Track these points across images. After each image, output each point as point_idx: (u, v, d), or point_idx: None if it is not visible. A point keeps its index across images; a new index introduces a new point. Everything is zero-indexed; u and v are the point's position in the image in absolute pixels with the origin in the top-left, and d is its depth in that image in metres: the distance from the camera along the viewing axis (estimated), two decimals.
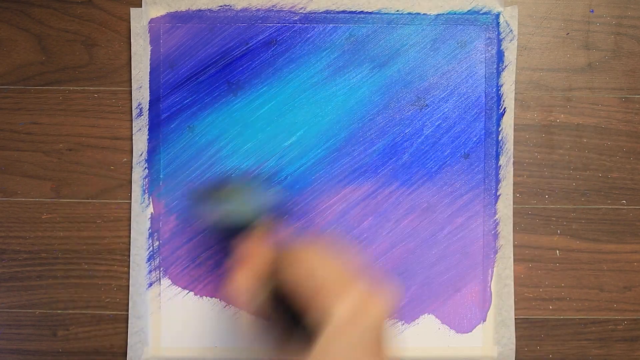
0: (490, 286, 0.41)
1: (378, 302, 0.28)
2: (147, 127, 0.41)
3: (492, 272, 0.41)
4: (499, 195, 0.41)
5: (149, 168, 0.42)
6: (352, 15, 0.41)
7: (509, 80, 0.41)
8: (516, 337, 0.42)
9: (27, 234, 0.42)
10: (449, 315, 0.41)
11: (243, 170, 0.40)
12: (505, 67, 0.41)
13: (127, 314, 0.42)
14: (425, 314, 0.42)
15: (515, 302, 0.42)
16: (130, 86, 0.42)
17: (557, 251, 0.42)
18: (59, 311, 0.42)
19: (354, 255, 0.30)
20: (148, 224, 0.41)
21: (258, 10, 0.41)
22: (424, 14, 0.41)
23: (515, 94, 0.42)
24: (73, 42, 0.42)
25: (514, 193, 0.42)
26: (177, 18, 0.41)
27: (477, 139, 0.41)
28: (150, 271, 0.41)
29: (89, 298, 0.42)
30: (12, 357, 0.42)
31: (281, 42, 0.41)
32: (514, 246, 0.42)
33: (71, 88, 0.42)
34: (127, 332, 0.42)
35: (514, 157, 0.42)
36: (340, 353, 0.27)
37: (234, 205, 0.35)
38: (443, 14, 0.41)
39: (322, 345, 0.27)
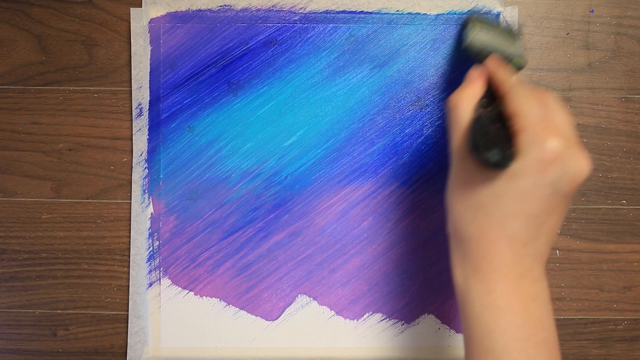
0: None
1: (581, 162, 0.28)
2: (147, 127, 0.42)
3: None
4: None
5: (149, 168, 0.42)
6: (352, 15, 0.41)
7: None
8: None
9: (27, 234, 0.42)
10: (449, 315, 0.41)
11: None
12: None
13: (127, 314, 0.42)
14: (425, 314, 0.42)
15: None
16: (130, 86, 0.42)
17: (557, 251, 0.42)
18: (59, 311, 0.42)
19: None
20: (148, 224, 0.41)
21: (258, 10, 0.41)
22: (424, 14, 0.41)
23: None
24: (73, 42, 0.42)
25: None
26: (177, 18, 0.41)
27: None
28: (150, 271, 0.41)
29: (89, 298, 0.42)
30: (12, 357, 0.42)
31: (281, 42, 0.41)
32: None
33: (71, 88, 0.42)
34: (127, 332, 0.42)
35: None
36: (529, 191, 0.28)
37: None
38: (443, 14, 0.41)
39: (511, 172, 0.28)
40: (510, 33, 0.36)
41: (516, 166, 0.28)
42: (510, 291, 0.29)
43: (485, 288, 0.29)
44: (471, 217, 0.30)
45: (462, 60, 0.41)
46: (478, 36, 0.36)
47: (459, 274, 0.30)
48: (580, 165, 0.28)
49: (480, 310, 0.29)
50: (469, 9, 0.41)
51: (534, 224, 0.29)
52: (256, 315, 0.42)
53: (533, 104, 0.29)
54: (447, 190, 0.32)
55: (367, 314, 0.42)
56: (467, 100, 0.31)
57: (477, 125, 0.29)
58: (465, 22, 0.38)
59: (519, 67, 0.35)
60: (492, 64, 0.33)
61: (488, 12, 0.41)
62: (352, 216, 0.41)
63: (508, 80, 0.31)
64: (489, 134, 0.29)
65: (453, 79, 0.41)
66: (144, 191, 0.42)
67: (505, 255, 0.29)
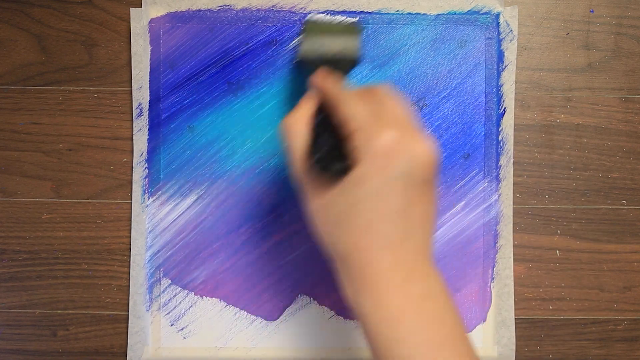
0: (490, 286, 0.42)
1: (410, 151, 0.27)
2: (147, 127, 0.42)
3: (492, 272, 0.41)
4: (499, 195, 0.41)
5: (149, 168, 0.42)
6: (352, 15, 0.41)
7: (509, 81, 0.41)
8: (516, 337, 0.42)
9: (27, 234, 0.42)
10: None
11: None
12: (505, 67, 0.41)
13: (127, 314, 0.42)
14: None
15: (515, 302, 0.42)
16: (131, 86, 0.42)
17: (557, 251, 0.42)
18: (59, 311, 0.42)
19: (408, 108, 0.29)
20: (148, 224, 0.41)
21: (258, 10, 0.41)
22: (424, 14, 0.41)
23: (515, 94, 0.42)
24: (73, 42, 0.42)
25: (514, 193, 0.42)
26: (177, 18, 0.41)
27: (477, 139, 0.41)
28: (150, 271, 0.41)
29: (89, 298, 0.42)
30: (12, 357, 0.42)
31: (281, 42, 0.41)
32: (514, 246, 0.42)
33: (71, 88, 0.42)
34: (127, 332, 0.42)
35: (514, 157, 0.42)
36: (375, 188, 0.27)
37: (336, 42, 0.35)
38: (443, 14, 0.41)
39: (356, 177, 0.27)
40: (347, 28, 0.36)
41: (358, 170, 0.27)
42: (399, 297, 0.27)
43: (374, 301, 0.28)
44: (338, 235, 0.29)
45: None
46: (308, 46, 0.35)
47: (349, 293, 0.29)
48: (421, 149, 0.27)
49: (375, 324, 0.28)
50: (469, 9, 0.41)
51: (400, 221, 0.28)
52: (256, 315, 0.42)
53: (360, 104, 0.28)
54: (312, 220, 0.31)
55: None
56: (299, 121, 0.30)
57: (314, 142, 0.29)
58: (300, 31, 0.37)
59: (353, 64, 0.35)
60: (319, 78, 0.32)
61: (488, 12, 0.41)
62: None
63: (334, 89, 0.30)
64: (327, 147, 0.28)
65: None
66: (144, 191, 0.42)
67: (384, 261, 0.28)
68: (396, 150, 0.27)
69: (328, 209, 0.29)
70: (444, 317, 0.28)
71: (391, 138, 0.27)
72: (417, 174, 0.27)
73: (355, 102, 0.29)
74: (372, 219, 0.27)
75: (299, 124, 0.30)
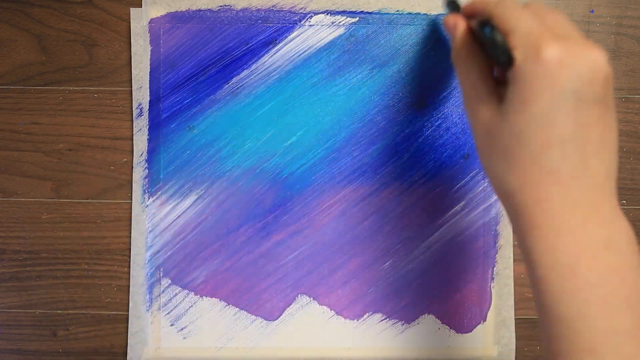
0: (490, 286, 0.42)
1: (580, 64, 0.24)
2: (147, 127, 0.42)
3: (492, 272, 0.41)
4: None
5: (149, 168, 0.42)
6: (352, 15, 0.41)
7: None
8: (516, 337, 0.42)
9: (27, 234, 0.42)
10: (449, 315, 0.41)
11: None
12: None
13: (127, 314, 0.42)
14: (425, 314, 0.42)
15: (515, 302, 0.42)
16: (131, 86, 0.42)
17: None
18: (59, 311, 0.42)
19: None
20: (148, 224, 0.41)
21: (258, 10, 0.41)
22: (424, 14, 0.41)
23: None
24: (73, 42, 0.42)
25: None
26: (177, 18, 0.41)
27: None
28: (150, 271, 0.41)
29: (89, 298, 0.42)
30: (12, 357, 0.42)
31: (281, 42, 0.41)
32: (514, 246, 0.42)
33: (71, 88, 0.42)
34: (127, 332, 0.42)
35: None
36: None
37: None
38: (443, 14, 0.41)
39: (520, 98, 0.24)
40: None
41: (522, 91, 0.24)
42: (574, 242, 0.24)
43: (545, 245, 0.24)
44: (503, 169, 0.26)
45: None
46: None
47: (517, 237, 0.26)
48: (591, 58, 0.23)
49: (544, 272, 0.24)
50: None
51: (573, 149, 0.24)
52: (256, 315, 0.42)
53: (522, 16, 0.25)
54: (478, 154, 0.29)
55: (367, 314, 0.42)
56: (466, 49, 0.29)
57: (487, 42, 0.27)
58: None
59: None
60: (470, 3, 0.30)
61: None
62: (352, 216, 0.41)
63: (488, 2, 0.28)
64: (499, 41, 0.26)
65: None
66: (144, 191, 0.42)
67: (556, 199, 0.24)
68: (562, 64, 0.23)
69: (494, 140, 0.26)
70: (627, 273, 0.24)
71: (557, 51, 0.23)
72: (589, 89, 0.24)
73: (516, 14, 0.26)
74: (540, 149, 0.24)
75: (468, 52, 0.28)
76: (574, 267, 0.24)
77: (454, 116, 0.41)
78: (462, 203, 0.41)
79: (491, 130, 0.26)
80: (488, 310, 0.42)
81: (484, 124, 0.27)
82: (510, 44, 0.25)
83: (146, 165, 0.42)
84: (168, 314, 0.42)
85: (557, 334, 0.24)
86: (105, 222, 0.42)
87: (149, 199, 0.42)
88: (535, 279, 0.25)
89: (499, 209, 0.41)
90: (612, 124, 0.25)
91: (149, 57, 0.41)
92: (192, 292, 0.42)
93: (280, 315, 0.42)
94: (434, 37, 0.41)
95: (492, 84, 0.28)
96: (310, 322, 0.42)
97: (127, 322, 0.42)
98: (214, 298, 0.42)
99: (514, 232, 0.27)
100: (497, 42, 0.26)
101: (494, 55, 0.26)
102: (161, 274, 0.42)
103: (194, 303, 0.42)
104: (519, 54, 0.24)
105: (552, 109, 0.24)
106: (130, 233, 0.42)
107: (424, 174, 0.41)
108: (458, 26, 0.30)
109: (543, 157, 0.24)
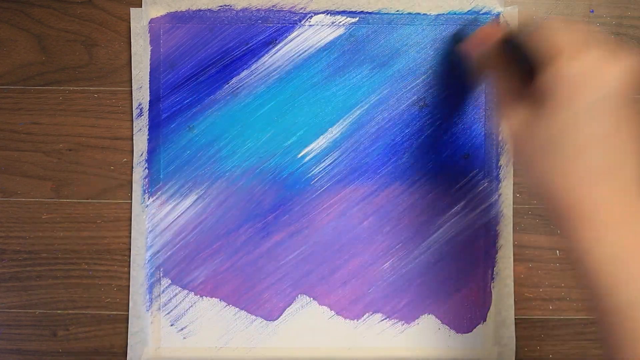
0: (490, 286, 0.42)
1: (617, 67, 0.26)
2: (147, 127, 0.42)
3: (492, 272, 0.41)
4: (499, 195, 0.41)
5: (149, 168, 0.42)
6: (352, 15, 0.41)
7: None
8: (516, 337, 0.42)
9: (27, 234, 0.42)
10: (449, 315, 0.41)
11: None
12: None
13: (127, 314, 0.42)
14: (425, 314, 0.42)
15: (515, 302, 0.42)
16: (131, 86, 0.42)
17: (557, 251, 0.42)
18: (59, 311, 0.42)
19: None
20: (148, 224, 0.41)
21: (258, 10, 0.41)
22: (424, 14, 0.41)
23: None
24: (73, 42, 0.42)
25: (514, 193, 0.42)
26: (177, 18, 0.41)
27: (477, 139, 0.41)
28: (150, 271, 0.41)
29: (89, 298, 0.42)
30: (12, 357, 0.42)
31: (281, 42, 0.41)
32: (514, 246, 0.42)
33: (71, 88, 0.42)
34: (127, 332, 0.42)
35: (514, 157, 0.42)
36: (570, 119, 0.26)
37: None
38: (443, 14, 0.41)
39: (562, 98, 0.26)
40: None
41: (566, 91, 0.26)
42: (622, 233, 0.25)
43: (593, 238, 0.25)
44: (545, 166, 0.27)
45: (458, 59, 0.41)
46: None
47: (563, 234, 0.27)
48: (628, 62, 0.26)
49: (597, 263, 0.25)
50: (469, 9, 0.41)
51: (613, 146, 0.26)
52: (256, 315, 0.42)
53: (554, 33, 0.27)
54: (513, 157, 0.30)
55: (367, 314, 0.42)
56: (501, 54, 0.31)
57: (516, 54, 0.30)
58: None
59: None
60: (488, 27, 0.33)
61: (488, 12, 0.41)
62: (352, 216, 0.41)
63: (506, 30, 0.31)
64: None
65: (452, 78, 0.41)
66: (144, 191, 0.42)
67: (600, 195, 0.25)
68: (604, 66, 0.26)
69: (533, 140, 0.27)
70: None
71: (596, 56, 0.26)
72: (624, 92, 0.26)
73: (549, 31, 0.28)
74: (584, 146, 0.26)
75: (502, 57, 0.30)
76: (625, 256, 0.25)
77: (454, 116, 0.41)
78: (462, 203, 0.41)
79: (530, 131, 0.27)
80: (488, 310, 0.42)
81: (522, 124, 0.28)
82: (554, 49, 0.27)
83: (146, 165, 0.42)
84: (168, 314, 0.42)
85: (615, 324, 0.25)
86: (105, 222, 0.42)
87: (149, 199, 0.42)
88: (586, 273, 0.26)
89: (499, 208, 0.41)
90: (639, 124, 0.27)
91: (149, 57, 0.41)
92: (192, 292, 0.42)
93: (280, 315, 0.42)
94: (434, 37, 0.41)
95: (526, 87, 0.29)
96: (310, 322, 0.42)
97: (127, 322, 0.42)
98: (214, 298, 0.42)
99: (558, 228, 0.27)
100: (532, 48, 0.28)
101: (529, 61, 0.28)
102: (161, 274, 0.42)
103: (194, 303, 0.42)
104: (562, 58, 0.26)
105: (594, 107, 0.25)
106: (130, 233, 0.42)
107: (424, 174, 0.41)
108: (493, 35, 0.31)
109: (587, 153, 0.26)
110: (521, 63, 0.30)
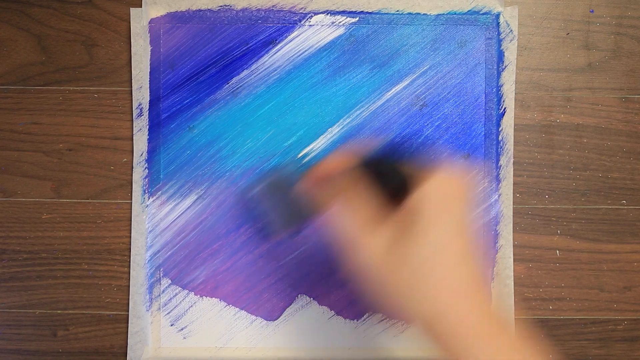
0: (490, 286, 0.41)
1: (458, 186, 0.30)
2: (147, 127, 0.42)
3: (492, 272, 0.41)
4: (499, 195, 0.41)
5: (149, 168, 0.42)
6: (352, 15, 0.41)
7: (509, 81, 0.41)
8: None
9: (27, 234, 0.42)
10: None
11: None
12: (505, 67, 0.41)
13: (127, 314, 0.42)
14: None
15: (515, 302, 0.42)
16: (131, 86, 0.42)
17: (557, 251, 0.42)
18: (59, 311, 0.42)
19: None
20: (148, 224, 0.41)
21: (258, 10, 0.41)
22: (424, 14, 0.41)
23: (515, 94, 0.42)
24: (73, 42, 0.42)
25: (514, 193, 0.42)
26: (177, 18, 0.41)
27: (477, 139, 0.41)
28: (150, 271, 0.41)
29: (89, 298, 0.42)
30: (12, 357, 0.42)
31: (281, 42, 0.41)
32: (514, 246, 0.42)
33: (71, 88, 0.42)
34: (127, 332, 0.42)
35: (514, 157, 0.42)
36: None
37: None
38: (443, 14, 0.41)
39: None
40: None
41: (423, 218, 0.30)
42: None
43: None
44: (415, 296, 0.28)
45: None
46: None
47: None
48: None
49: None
50: (469, 9, 0.41)
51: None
52: (256, 315, 0.42)
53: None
54: (372, 292, 0.28)
55: (367, 314, 0.42)
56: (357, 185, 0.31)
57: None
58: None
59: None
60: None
61: (488, 12, 0.41)
62: None
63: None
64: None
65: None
66: (144, 191, 0.42)
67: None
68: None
69: (399, 267, 0.27)
70: None
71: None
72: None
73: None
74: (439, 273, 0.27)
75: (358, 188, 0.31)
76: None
77: (454, 116, 0.41)
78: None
79: (392, 260, 0.27)
80: None
81: (380, 255, 0.27)
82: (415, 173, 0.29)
83: (146, 165, 0.42)
84: (168, 314, 0.42)
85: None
86: (105, 222, 0.42)
87: (149, 199, 0.42)
88: None
89: (499, 208, 0.41)
90: None
91: (149, 57, 0.41)
92: (192, 292, 0.42)
93: (280, 315, 0.42)
94: (434, 37, 0.41)
95: (390, 210, 0.29)
96: (310, 322, 0.42)
97: (127, 322, 0.42)
98: (214, 298, 0.42)
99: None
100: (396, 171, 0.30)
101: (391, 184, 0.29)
102: (161, 274, 0.42)
103: (194, 303, 0.42)
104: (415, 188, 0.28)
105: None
106: (130, 233, 0.42)
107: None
108: (338, 167, 0.31)
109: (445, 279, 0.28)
110: (384, 186, 0.30)
